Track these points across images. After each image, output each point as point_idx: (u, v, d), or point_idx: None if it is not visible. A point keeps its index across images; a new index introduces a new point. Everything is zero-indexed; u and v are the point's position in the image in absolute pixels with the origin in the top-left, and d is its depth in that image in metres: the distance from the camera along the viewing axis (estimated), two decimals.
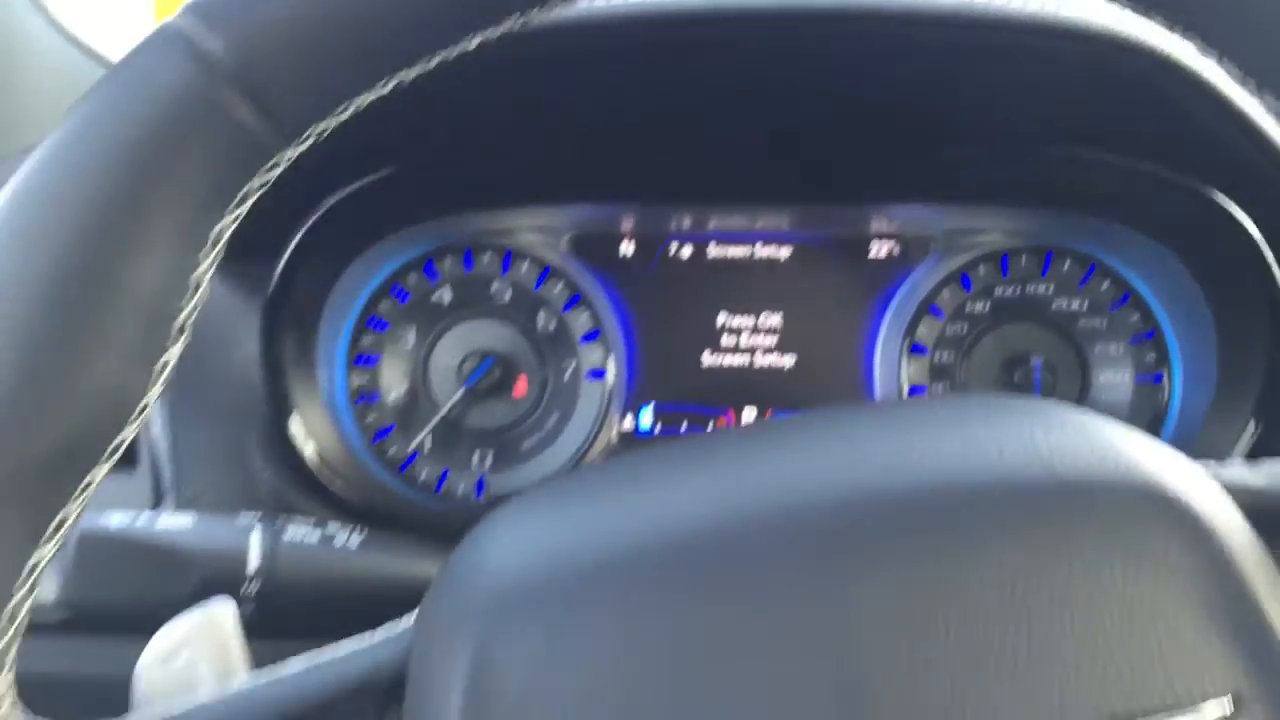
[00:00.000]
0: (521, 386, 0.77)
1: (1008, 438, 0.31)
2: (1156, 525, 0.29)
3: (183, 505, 0.67)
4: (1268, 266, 0.68)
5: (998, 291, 0.77)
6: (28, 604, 0.32)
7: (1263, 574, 0.29)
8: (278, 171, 0.33)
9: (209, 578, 0.52)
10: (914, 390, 0.77)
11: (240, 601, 0.52)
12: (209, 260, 0.32)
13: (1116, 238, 0.74)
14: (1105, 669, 0.28)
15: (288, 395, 0.69)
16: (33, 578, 0.32)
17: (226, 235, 0.33)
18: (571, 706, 0.28)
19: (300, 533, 0.55)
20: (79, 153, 0.31)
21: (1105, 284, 0.76)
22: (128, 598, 0.51)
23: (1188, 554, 0.29)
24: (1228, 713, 0.28)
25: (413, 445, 0.76)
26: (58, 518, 0.32)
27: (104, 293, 0.30)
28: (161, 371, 0.33)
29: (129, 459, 0.67)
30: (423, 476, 0.76)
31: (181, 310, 0.32)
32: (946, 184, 0.74)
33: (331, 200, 0.70)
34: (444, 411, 0.75)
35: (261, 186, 0.33)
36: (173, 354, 0.33)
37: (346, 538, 0.57)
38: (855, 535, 0.29)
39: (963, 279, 0.77)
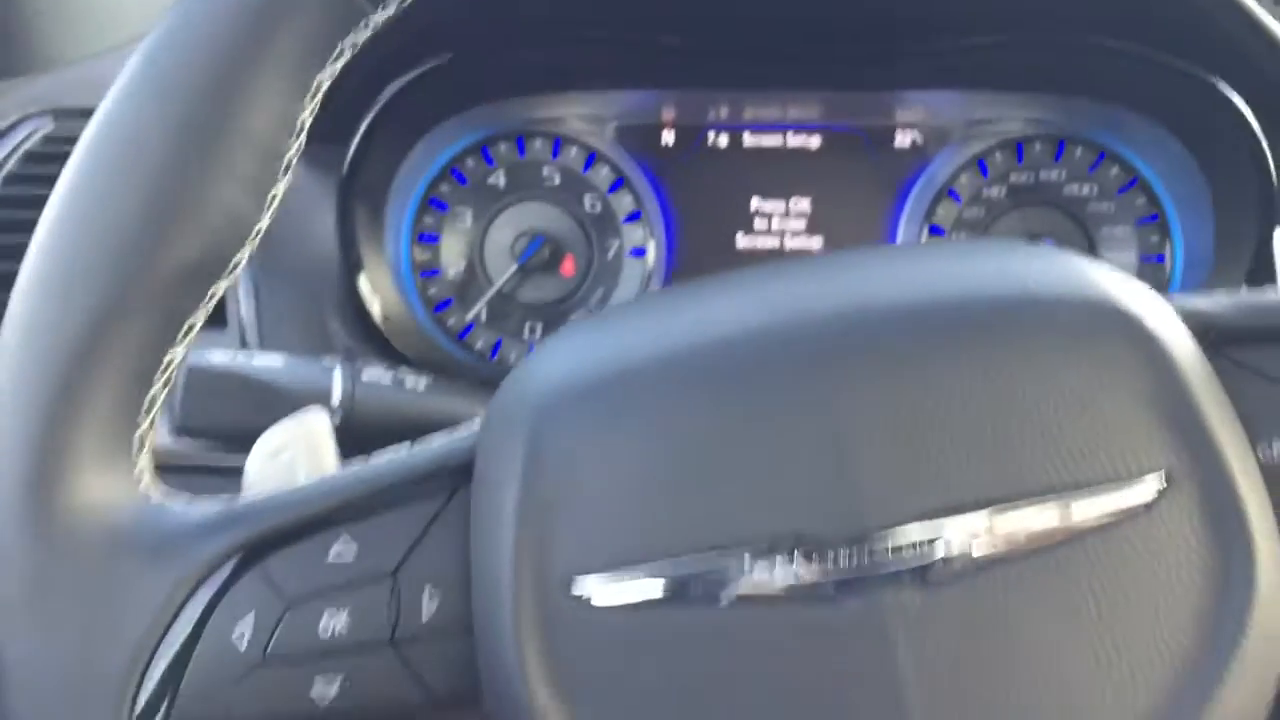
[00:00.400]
0: (569, 265, 0.83)
1: (989, 263, 0.36)
2: (1108, 330, 0.33)
3: None
4: (1262, 152, 0.73)
5: (1013, 178, 0.82)
6: (162, 396, 0.39)
7: (1197, 372, 0.33)
8: (368, 33, 0.39)
9: (297, 409, 0.59)
10: None
11: None
12: (311, 106, 0.38)
13: (1125, 125, 0.79)
14: (1058, 448, 0.32)
15: (360, 260, 0.76)
16: (167, 373, 0.39)
17: (325, 86, 0.38)
18: (611, 484, 0.33)
19: (376, 374, 0.63)
20: (203, 12, 0.37)
21: (1114, 170, 0.81)
22: (228, 424, 0.58)
23: (1133, 353, 0.33)
24: (1162, 487, 0.32)
25: (469, 316, 0.83)
26: (188, 323, 0.38)
27: (227, 131, 0.37)
28: (271, 202, 0.39)
29: (220, 319, 0.74)
30: (479, 345, 0.83)
31: (289, 150, 0.38)
32: (970, 71, 0.79)
33: (393, 88, 0.76)
34: (498, 286, 0.82)
35: (354, 46, 0.38)
36: (280, 188, 0.39)
37: (416, 381, 0.64)
38: (849, 342, 0.33)
39: (980, 165, 0.82)
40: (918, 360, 0.33)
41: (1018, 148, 0.82)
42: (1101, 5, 0.73)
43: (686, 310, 0.37)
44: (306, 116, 0.39)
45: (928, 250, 0.39)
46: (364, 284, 0.76)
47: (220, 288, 0.39)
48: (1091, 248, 0.81)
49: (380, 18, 0.39)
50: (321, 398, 0.60)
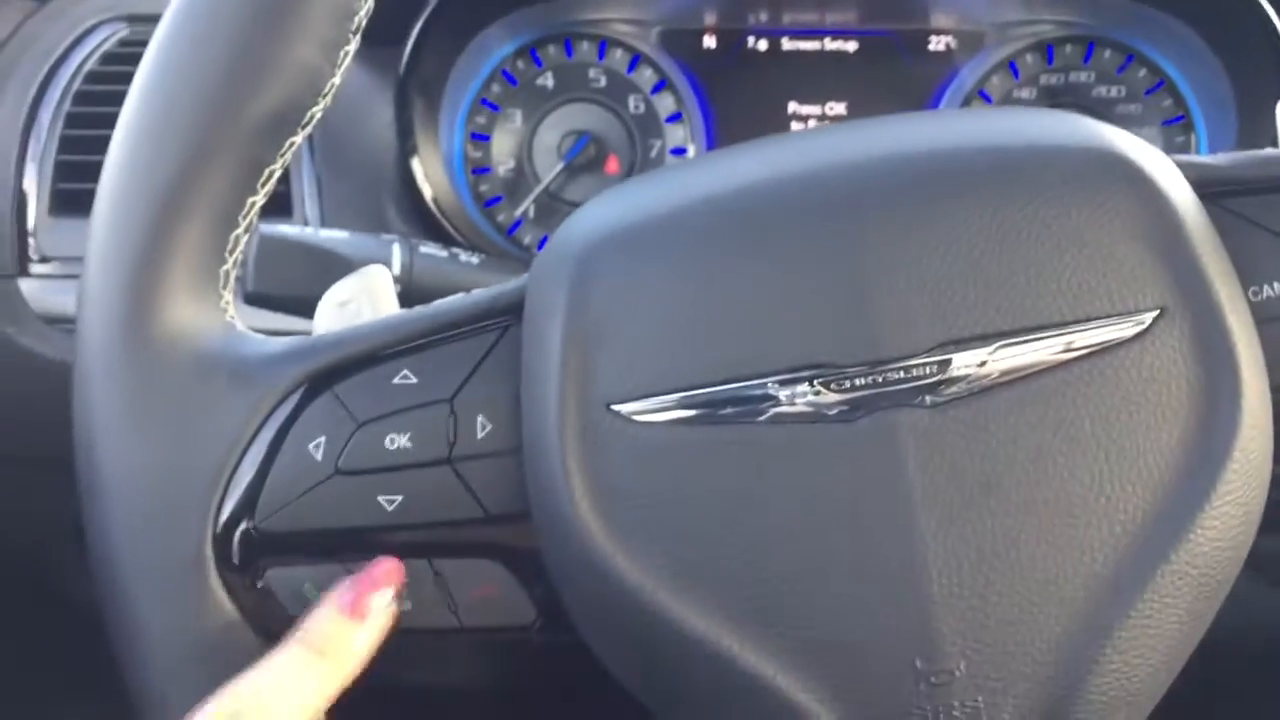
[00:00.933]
0: (613, 164, 0.87)
1: (998, 120, 0.39)
2: (1108, 174, 0.35)
3: None
4: None
5: (1043, 79, 0.84)
6: (245, 237, 0.44)
7: (1193, 216, 0.35)
8: None
9: None
10: None
11: None
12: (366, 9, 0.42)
13: (1154, 25, 0.81)
14: (1058, 285, 0.34)
15: (415, 147, 0.80)
16: (249, 216, 0.43)
17: None
18: (648, 317, 0.36)
19: (432, 248, 0.67)
20: None
21: (1142, 72, 0.83)
22: (297, 290, 0.62)
23: (1132, 196, 0.35)
24: (1155, 317, 0.34)
25: (518, 212, 0.87)
26: (268, 170, 0.42)
27: None
28: (342, 61, 0.43)
29: (284, 208, 0.79)
30: (526, 240, 0.87)
31: (358, 10, 0.42)
32: None
33: None
34: (545, 184, 0.86)
35: None
36: (350, 48, 0.43)
37: (470, 257, 0.68)
38: (866, 188, 0.36)
39: (1011, 67, 0.85)
40: (927, 205, 0.35)
41: (1048, 50, 0.84)
42: None
43: (719, 165, 0.39)
44: (363, 15, 0.43)
45: (947, 112, 0.42)
46: (418, 168, 0.80)
47: (298, 138, 0.43)
48: None
49: None
50: (384, 261, 0.64)
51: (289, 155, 0.43)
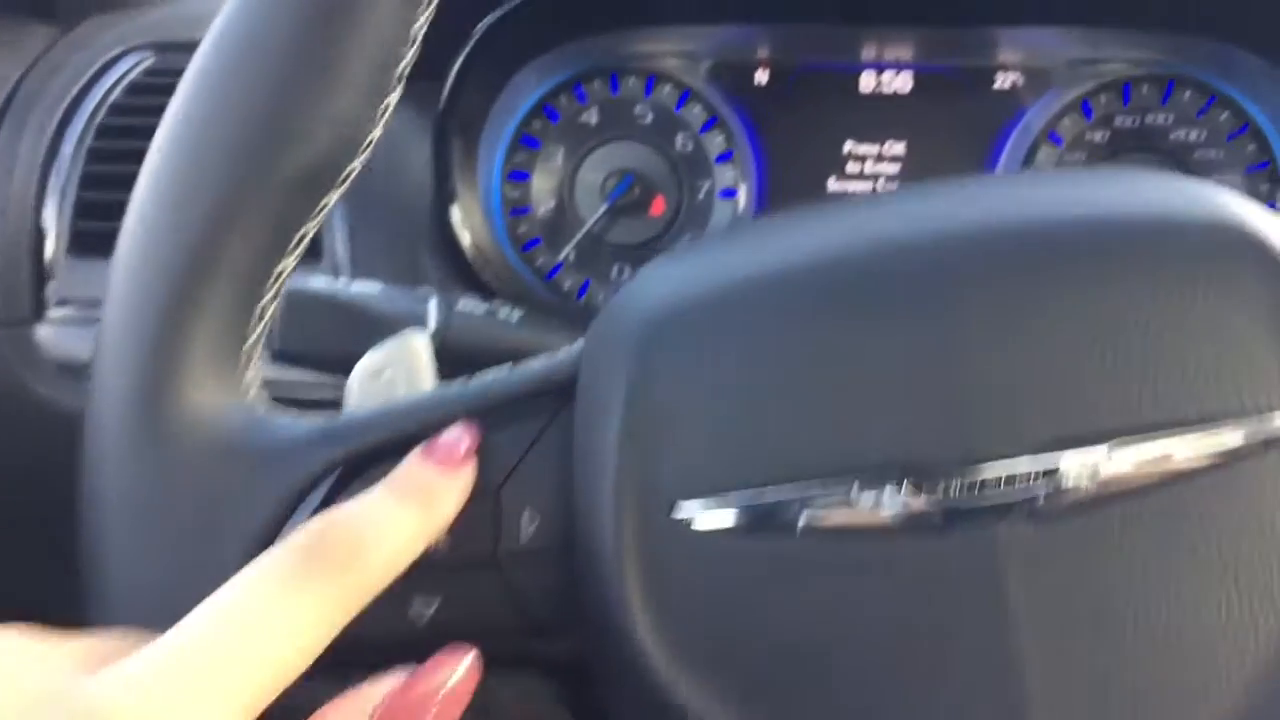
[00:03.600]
0: (659, 205, 0.83)
1: (1107, 185, 0.35)
2: (1239, 253, 0.31)
3: None
4: None
5: (1117, 121, 0.79)
6: (273, 306, 0.40)
7: None
8: None
9: (394, 334, 0.59)
10: None
11: None
12: (425, 14, 0.38)
13: (1238, 65, 0.76)
14: (1186, 379, 0.31)
15: (453, 193, 0.77)
16: (277, 284, 0.39)
17: (420, 35, 0.38)
18: (716, 407, 0.32)
19: (470, 305, 0.63)
20: None
21: (1224, 114, 0.78)
22: (326, 349, 0.59)
23: (1267, 279, 0.31)
24: None
25: (559, 257, 0.82)
26: (299, 233, 0.38)
27: (344, 39, 0.36)
28: (384, 113, 0.39)
29: (314, 253, 0.75)
30: (566, 286, 0.83)
31: (402, 59, 0.38)
32: (1074, 4, 0.76)
33: (487, 22, 0.76)
34: (588, 226, 0.82)
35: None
36: (392, 99, 0.39)
37: (510, 313, 0.64)
38: (961, 261, 0.32)
39: (1084, 107, 0.80)
40: (1034, 281, 0.32)
41: (1124, 89, 0.80)
42: None
43: (791, 232, 0.36)
44: (420, 25, 0.39)
45: (1039, 175, 0.38)
46: (455, 215, 0.76)
47: (332, 198, 0.39)
48: None
49: None
50: (417, 325, 0.60)
51: (322, 216, 0.39)
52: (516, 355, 0.62)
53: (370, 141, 0.39)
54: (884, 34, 0.80)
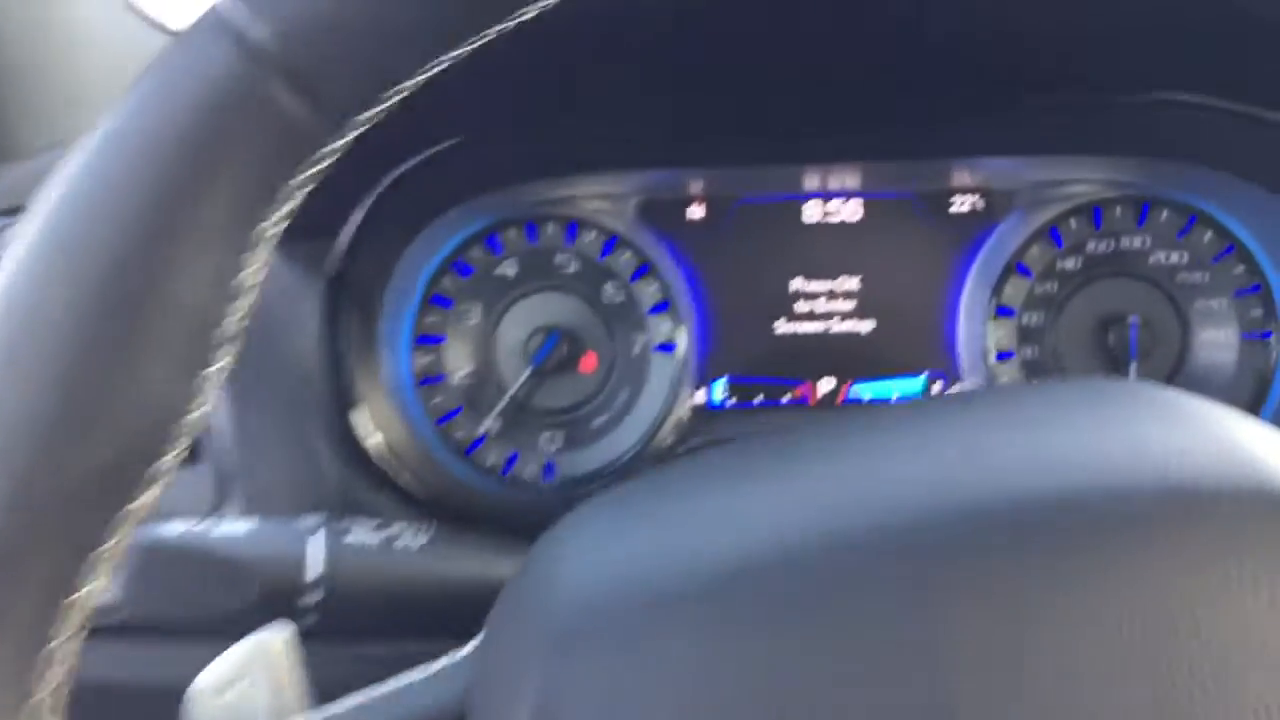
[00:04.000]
0: (590, 362, 0.74)
1: (1113, 437, 0.29)
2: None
3: (248, 501, 0.65)
4: None
5: (1090, 246, 0.72)
6: (70, 658, 0.30)
7: None
8: (324, 165, 0.31)
9: (269, 587, 0.50)
10: (1001, 356, 0.73)
11: (302, 612, 0.50)
12: (256, 264, 0.30)
13: (1219, 185, 0.70)
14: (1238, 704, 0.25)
15: (351, 384, 0.67)
16: (73, 627, 0.30)
17: (272, 237, 0.30)
18: None
19: (363, 535, 0.53)
20: (119, 155, 0.29)
21: (1207, 235, 0.72)
22: (186, 609, 0.49)
23: None
24: None
25: (481, 428, 0.73)
26: (90, 556, 0.29)
27: (146, 302, 0.28)
28: (207, 386, 0.30)
29: (191, 453, 0.65)
30: (490, 460, 0.73)
31: (226, 318, 0.30)
32: (1032, 135, 0.70)
33: (393, 174, 0.68)
34: (512, 391, 0.72)
35: (307, 182, 0.30)
36: (219, 366, 0.31)
37: (412, 537, 0.54)
38: (946, 555, 0.26)
39: (1052, 234, 0.73)
40: (1031, 580, 0.26)
41: (1095, 212, 0.73)
42: (1186, 59, 0.63)
43: (732, 496, 0.30)
44: (250, 275, 0.30)
45: (1016, 405, 0.32)
46: (360, 418, 0.67)
47: (146, 500, 0.30)
48: (1185, 325, 0.71)
49: (338, 146, 0.31)
50: (297, 570, 0.51)
51: (128, 528, 0.30)
52: (420, 591, 0.53)
53: (188, 428, 0.30)
54: (827, 167, 0.72)
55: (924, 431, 0.31)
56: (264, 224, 0.30)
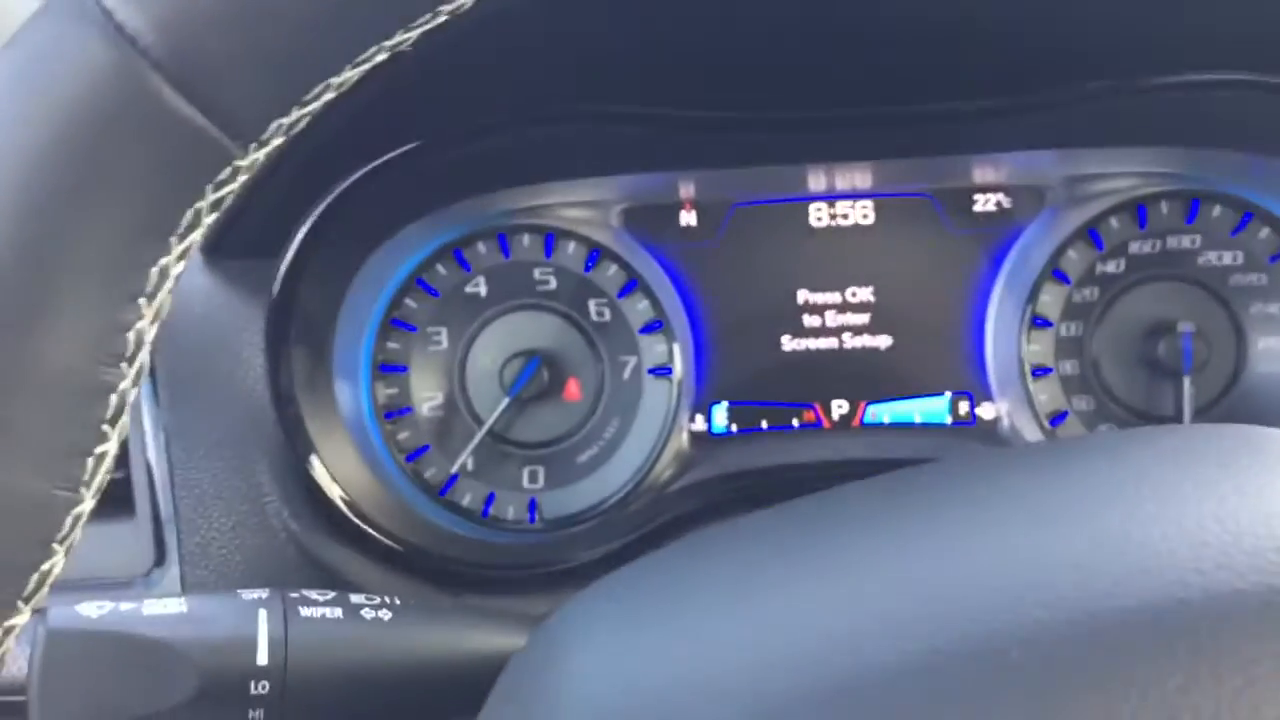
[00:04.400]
0: (573, 389, 0.67)
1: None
2: None
3: (188, 558, 0.58)
4: None
5: (1134, 247, 0.66)
6: None
7: None
8: (238, 183, 0.26)
9: (211, 677, 0.43)
10: (1037, 372, 0.66)
11: (251, 704, 0.44)
12: (154, 308, 0.26)
13: (1276, 176, 0.64)
14: None
15: (302, 421, 0.59)
16: None
17: (175, 273, 0.26)
18: None
19: (318, 606, 0.46)
20: None
21: (1263, 232, 0.66)
22: (110, 708, 0.42)
23: None
24: None
25: (454, 467, 0.66)
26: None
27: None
28: (93, 476, 0.26)
29: (125, 506, 0.58)
30: (466, 501, 0.66)
31: (115, 385, 0.25)
32: (1062, 125, 0.63)
33: (343, 184, 0.60)
34: (488, 425, 0.65)
35: (216, 205, 0.25)
36: (107, 447, 0.26)
37: (374, 611, 0.47)
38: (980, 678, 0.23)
39: (1091, 235, 0.66)
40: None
41: (1139, 210, 0.66)
42: (1238, 38, 0.57)
43: (746, 599, 0.28)
44: (146, 325, 0.26)
45: (1073, 481, 0.29)
46: (317, 468, 0.59)
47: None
48: (1240, 333, 0.65)
49: (253, 159, 0.26)
50: (243, 656, 0.43)
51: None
52: (384, 673, 0.45)
53: (69, 534, 0.25)
54: (835, 165, 0.65)
55: (957, 509, 0.28)
56: (162, 260, 0.25)
